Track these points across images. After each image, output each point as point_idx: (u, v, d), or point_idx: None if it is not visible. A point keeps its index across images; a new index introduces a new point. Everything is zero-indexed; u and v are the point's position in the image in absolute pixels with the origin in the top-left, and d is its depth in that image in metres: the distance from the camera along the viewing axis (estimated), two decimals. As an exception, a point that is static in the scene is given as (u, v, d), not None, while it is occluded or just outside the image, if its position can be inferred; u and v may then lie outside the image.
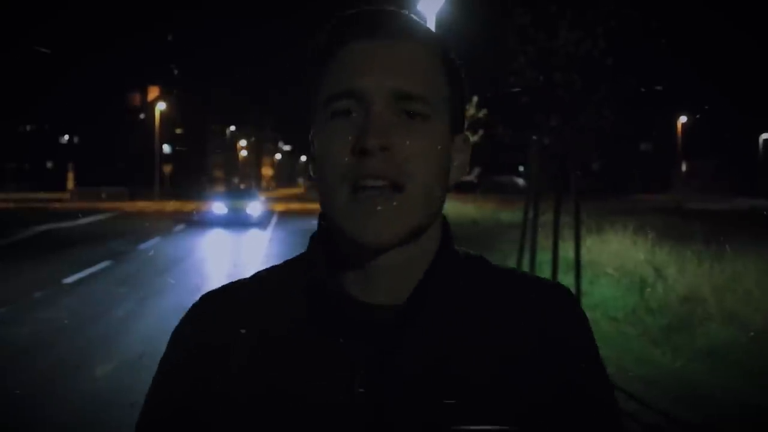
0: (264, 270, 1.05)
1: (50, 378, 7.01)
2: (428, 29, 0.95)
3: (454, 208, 27.99)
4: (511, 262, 15.15)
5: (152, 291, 12.21)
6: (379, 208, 0.87)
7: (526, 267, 7.39)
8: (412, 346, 0.89)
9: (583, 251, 9.34)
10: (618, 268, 11.92)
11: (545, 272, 8.10)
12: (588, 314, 1.02)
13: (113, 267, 15.45)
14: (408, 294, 0.92)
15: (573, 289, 7.69)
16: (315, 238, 0.99)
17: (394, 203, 0.88)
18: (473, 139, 10.09)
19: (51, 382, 6.88)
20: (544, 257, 9.52)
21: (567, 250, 9.79)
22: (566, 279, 9.69)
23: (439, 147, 0.91)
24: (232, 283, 1.06)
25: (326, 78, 0.92)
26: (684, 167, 54.30)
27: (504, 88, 7.00)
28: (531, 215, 7.14)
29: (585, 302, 8.36)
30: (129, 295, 11.70)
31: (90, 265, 15.11)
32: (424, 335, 0.90)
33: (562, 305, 0.97)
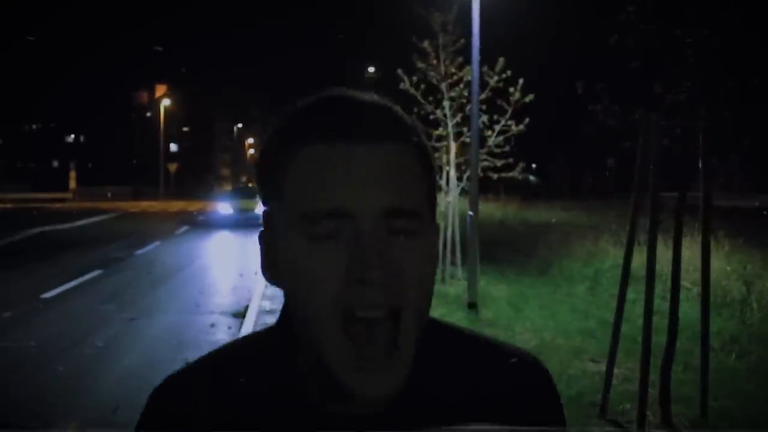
0: (231, 347, 0.94)
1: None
2: (403, 116, 0.83)
3: (477, 207, 26.23)
4: (556, 275, 13.38)
5: (143, 309, 10.37)
6: (374, 355, 0.78)
7: (636, 288, 5.50)
8: None
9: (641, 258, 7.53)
10: (695, 281, 10.04)
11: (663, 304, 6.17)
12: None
13: (103, 278, 13.66)
14: (393, 388, 0.80)
15: (699, 323, 5.84)
16: (283, 334, 0.88)
17: (390, 346, 0.78)
18: (519, 128, 8.16)
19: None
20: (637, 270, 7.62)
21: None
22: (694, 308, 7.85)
23: (430, 263, 0.83)
24: (194, 367, 0.92)
25: (300, 187, 0.80)
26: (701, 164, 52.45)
27: (605, 49, 5.11)
28: (648, 220, 5.25)
29: (664, 325, 6.45)
30: (115, 315, 9.88)
31: (77, 276, 13.38)
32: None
33: (539, 390, 0.92)
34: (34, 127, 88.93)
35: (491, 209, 26.31)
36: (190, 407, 0.88)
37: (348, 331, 0.78)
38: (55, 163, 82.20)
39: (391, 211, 0.79)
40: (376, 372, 0.78)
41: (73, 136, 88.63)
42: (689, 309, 9.09)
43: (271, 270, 0.87)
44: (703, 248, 5.51)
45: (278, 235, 0.84)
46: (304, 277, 0.80)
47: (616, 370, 6.51)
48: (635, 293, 7.52)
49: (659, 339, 5.97)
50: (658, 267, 8.27)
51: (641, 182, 5.27)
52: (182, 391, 0.90)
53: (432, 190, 0.86)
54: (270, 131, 0.85)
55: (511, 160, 11.75)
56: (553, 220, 22.50)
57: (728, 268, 9.90)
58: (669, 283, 8.59)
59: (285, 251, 0.83)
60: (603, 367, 7.00)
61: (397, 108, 0.84)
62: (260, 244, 0.88)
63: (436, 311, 2.27)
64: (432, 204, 0.85)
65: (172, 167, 55.66)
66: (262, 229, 0.88)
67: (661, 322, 6.39)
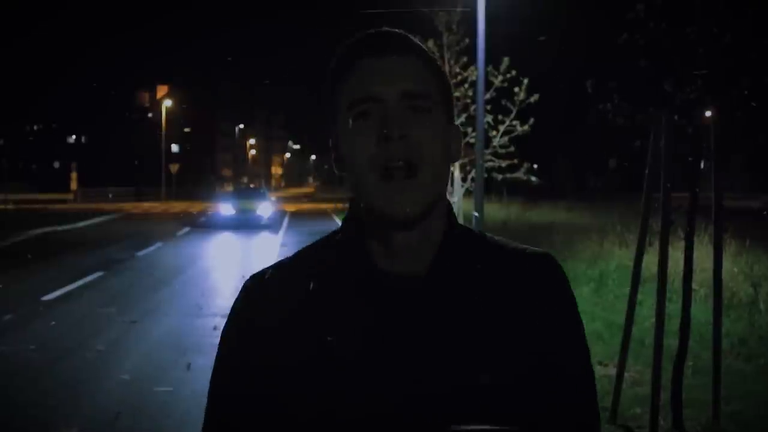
0: (304, 248, 1.23)
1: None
2: (421, 46, 1.17)
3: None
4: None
5: (145, 311, 10.27)
6: (401, 188, 1.08)
7: (642, 289, 5.39)
8: (430, 308, 1.10)
9: (647, 260, 7.41)
10: (701, 282, 9.92)
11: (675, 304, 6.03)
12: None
13: (104, 279, 13.56)
14: (424, 266, 1.12)
15: (707, 326, 5.72)
16: (348, 220, 1.19)
17: (414, 184, 1.09)
18: (524, 128, 8.11)
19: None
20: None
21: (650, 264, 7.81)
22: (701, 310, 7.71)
23: (441, 134, 1.13)
24: (277, 263, 1.23)
25: (346, 88, 1.14)
26: (702, 164, 52.18)
27: (614, 48, 5.01)
28: (659, 222, 5.14)
29: (672, 327, 6.34)
30: (116, 317, 9.77)
31: (78, 278, 13.27)
32: (440, 300, 1.11)
33: (549, 275, 1.17)
34: (35, 127, 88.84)
35: (494, 210, 26.17)
36: (276, 289, 1.16)
37: (383, 179, 1.08)
38: (57, 164, 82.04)
39: (406, 93, 1.10)
40: (402, 197, 1.08)
41: (74, 136, 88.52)
42: (696, 311, 8.96)
43: (337, 163, 1.17)
44: (715, 249, 5.40)
45: (338, 130, 1.16)
46: (352, 148, 1.11)
47: (625, 374, 6.41)
48: (641, 295, 7.41)
49: (668, 342, 5.87)
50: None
51: (651, 182, 5.17)
52: (268, 283, 1.18)
53: (444, 89, 1.17)
54: (337, 57, 1.16)
55: (515, 160, 11.64)
56: (557, 221, 22.36)
57: (735, 269, 9.78)
58: (675, 284, 8.52)
59: (342, 138, 1.14)
60: (611, 371, 6.89)
61: (414, 38, 1.17)
62: (331, 154, 1.19)
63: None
64: (446, 99, 1.17)
65: (174, 168, 55.53)
66: (330, 140, 1.19)
67: (667, 323, 6.29)
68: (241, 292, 1.19)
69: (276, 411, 1.10)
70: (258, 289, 1.17)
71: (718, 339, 5.48)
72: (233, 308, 1.18)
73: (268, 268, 1.21)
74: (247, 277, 1.21)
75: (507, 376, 1.07)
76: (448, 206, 1.19)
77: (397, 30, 1.16)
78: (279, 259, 1.22)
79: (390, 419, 1.06)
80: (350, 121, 1.11)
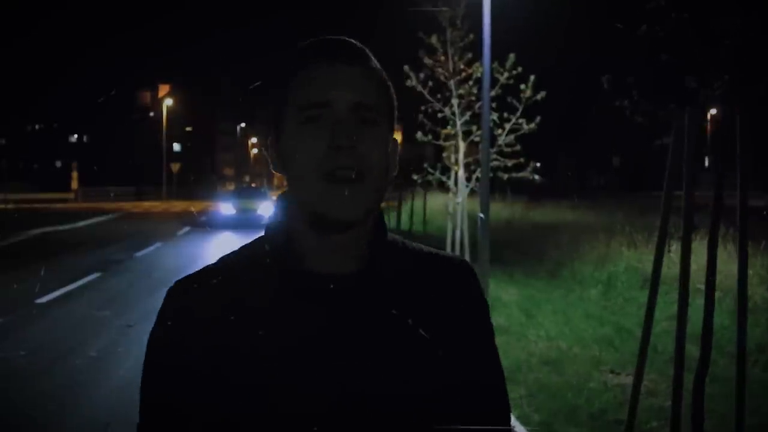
0: (228, 255, 1.25)
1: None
2: (371, 57, 1.20)
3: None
4: (567, 278, 12.97)
5: (141, 315, 9.98)
6: (346, 193, 1.11)
7: (663, 296, 5.09)
8: (361, 305, 1.14)
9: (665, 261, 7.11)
10: (716, 285, 9.61)
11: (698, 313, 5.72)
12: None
13: (101, 281, 13.31)
14: (350, 267, 1.16)
15: (724, 331, 5.42)
16: (274, 223, 1.21)
17: (359, 189, 1.12)
18: (530, 126, 7.81)
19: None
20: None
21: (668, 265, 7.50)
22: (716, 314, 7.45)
23: (385, 147, 1.18)
24: (202, 269, 1.22)
25: (297, 89, 1.15)
26: (707, 162, 51.93)
27: (631, 42, 4.73)
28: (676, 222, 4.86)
29: (689, 331, 6.03)
30: (112, 321, 9.50)
31: (74, 279, 13.02)
32: (370, 297, 1.16)
33: (464, 279, 1.25)
34: (36, 127, 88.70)
35: (497, 209, 25.85)
36: (205, 297, 1.15)
37: (329, 182, 1.10)
38: (58, 164, 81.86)
39: (358, 104, 1.12)
40: (344, 201, 1.10)
41: (75, 136, 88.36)
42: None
43: (277, 161, 1.19)
44: (740, 251, 5.10)
45: (282, 129, 1.17)
46: (298, 150, 1.13)
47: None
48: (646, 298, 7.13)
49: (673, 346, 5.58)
50: (670, 272, 7.88)
51: (672, 182, 4.89)
52: (195, 288, 1.17)
53: (389, 101, 1.19)
54: (288, 57, 1.18)
55: (522, 159, 11.37)
56: (561, 221, 22.07)
57: (750, 272, 9.48)
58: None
59: (287, 137, 1.16)
60: (624, 379, 6.62)
61: (367, 49, 1.18)
62: (268, 150, 1.21)
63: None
64: (390, 111, 1.19)
65: (175, 167, 55.29)
66: (270, 137, 1.20)
67: (672, 325, 6.00)
68: (166, 298, 1.18)
69: (206, 415, 1.11)
70: (185, 294, 1.17)
71: (742, 346, 5.18)
72: (160, 314, 1.17)
73: (193, 273, 1.22)
74: (173, 283, 1.20)
75: (425, 377, 1.12)
76: (380, 214, 1.24)
77: (351, 40, 1.18)
78: (204, 266, 1.23)
79: (321, 417, 1.09)
80: (299, 123, 1.13)
